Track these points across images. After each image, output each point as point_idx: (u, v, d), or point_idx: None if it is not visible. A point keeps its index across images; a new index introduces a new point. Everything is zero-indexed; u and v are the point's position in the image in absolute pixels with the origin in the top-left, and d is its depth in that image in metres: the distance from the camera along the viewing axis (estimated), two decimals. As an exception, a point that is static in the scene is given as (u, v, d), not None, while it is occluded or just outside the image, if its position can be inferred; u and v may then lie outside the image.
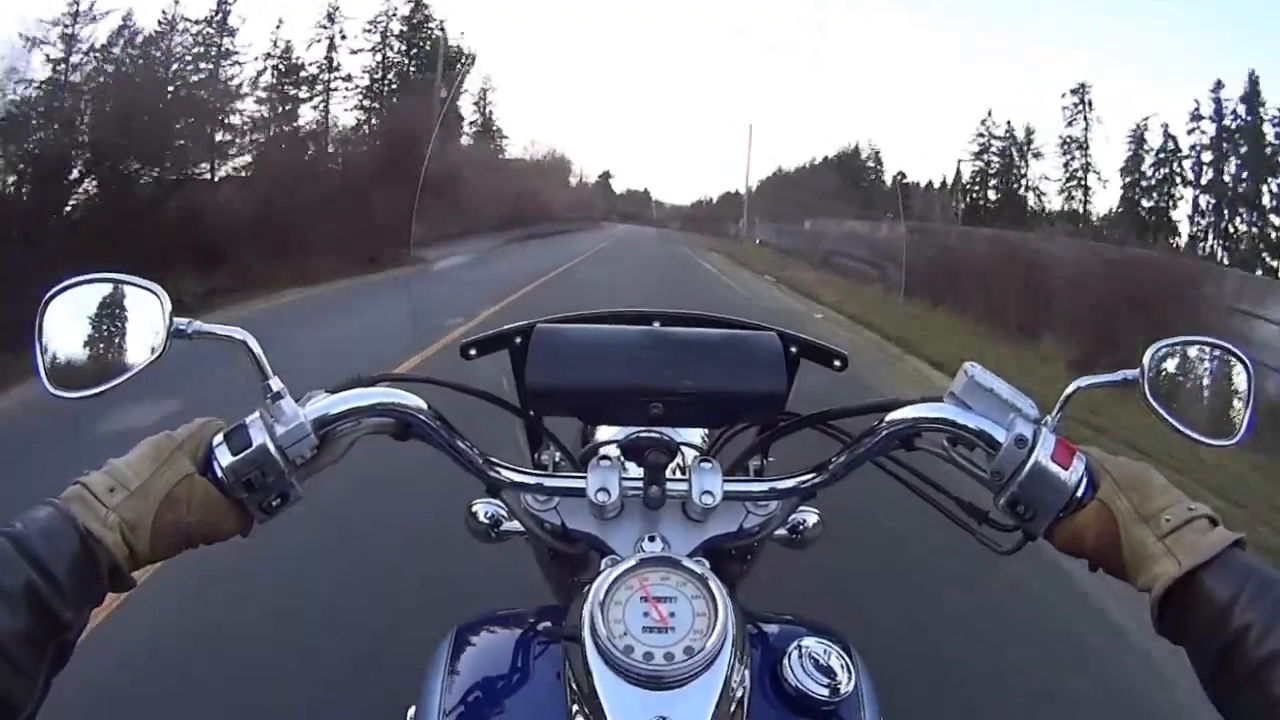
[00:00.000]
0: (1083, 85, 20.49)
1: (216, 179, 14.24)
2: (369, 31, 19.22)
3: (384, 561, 2.66)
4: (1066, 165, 20.81)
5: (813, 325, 8.69)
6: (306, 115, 17.52)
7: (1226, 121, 18.19)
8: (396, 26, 19.67)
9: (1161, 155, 19.48)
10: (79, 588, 0.50)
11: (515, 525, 0.85)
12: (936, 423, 0.65)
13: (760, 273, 17.54)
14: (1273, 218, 17.44)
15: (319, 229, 11.77)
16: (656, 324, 0.80)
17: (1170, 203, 19.27)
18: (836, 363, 0.80)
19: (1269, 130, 17.41)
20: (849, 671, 0.62)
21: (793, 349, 0.76)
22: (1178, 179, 19.06)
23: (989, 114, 22.50)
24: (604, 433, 0.95)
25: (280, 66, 16.83)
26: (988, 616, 2.56)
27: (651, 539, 0.66)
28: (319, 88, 17.67)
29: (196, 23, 14.98)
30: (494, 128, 24.20)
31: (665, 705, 0.52)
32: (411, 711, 0.66)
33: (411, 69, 19.79)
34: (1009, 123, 22.10)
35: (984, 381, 0.64)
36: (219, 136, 14.50)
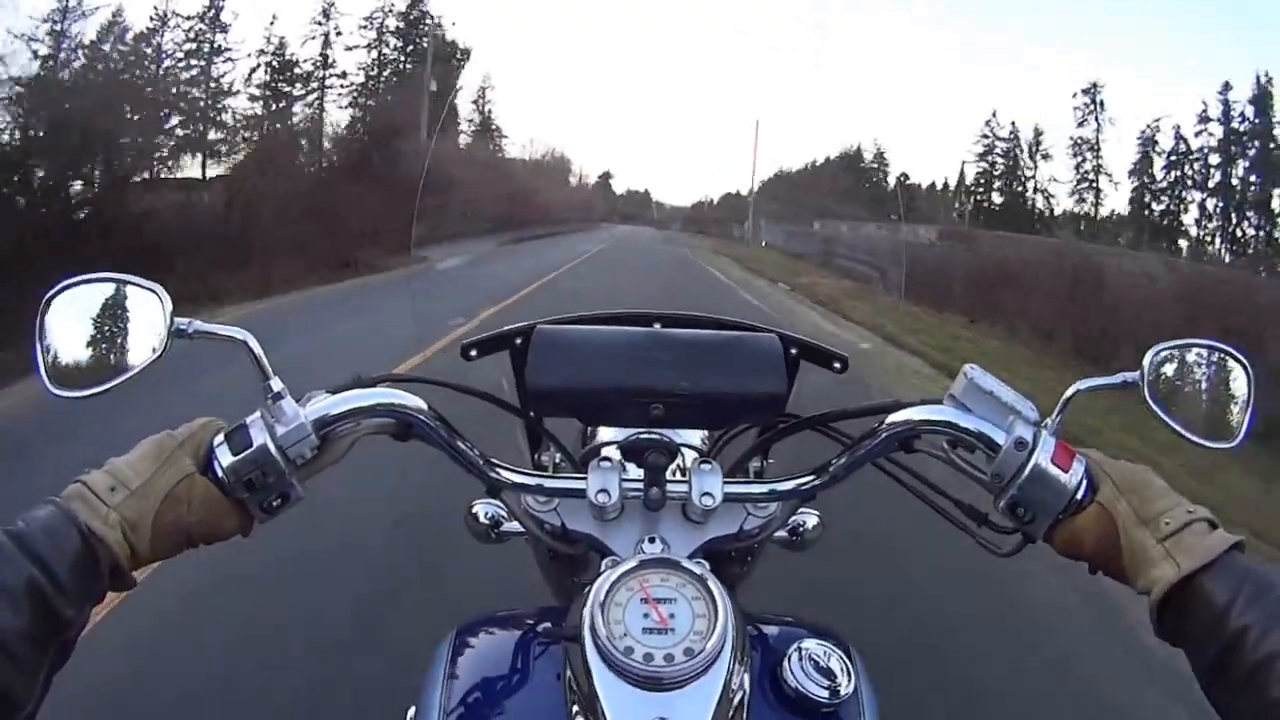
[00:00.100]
0: (1094, 85, 20.26)
1: (206, 179, 13.91)
2: (365, 28, 19.11)
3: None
4: (1078, 167, 20.69)
5: (878, 362, 7.53)
6: (301, 113, 17.34)
7: (1235, 124, 18.17)
8: (393, 23, 19.56)
9: (1173, 158, 19.38)
10: (80, 586, 0.51)
11: (515, 526, 0.86)
12: (936, 425, 0.66)
13: (773, 279, 16.33)
14: (1283, 221, 17.38)
15: (289, 233, 10.96)
16: (657, 325, 0.81)
17: (1181, 207, 19.16)
18: (836, 364, 0.81)
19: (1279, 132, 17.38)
20: (849, 673, 0.63)
21: (793, 351, 0.77)
22: (1189, 182, 18.98)
23: (993, 115, 22.48)
24: (604, 434, 0.96)
25: (274, 63, 16.74)
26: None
27: (651, 540, 0.67)
28: (313, 85, 17.54)
29: (188, 19, 14.92)
30: (493, 126, 24.18)
31: (665, 706, 0.52)
32: (411, 712, 0.67)
33: (408, 66, 19.65)
34: (1014, 123, 22.08)
35: (984, 384, 0.65)
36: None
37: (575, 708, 0.56)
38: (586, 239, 25.45)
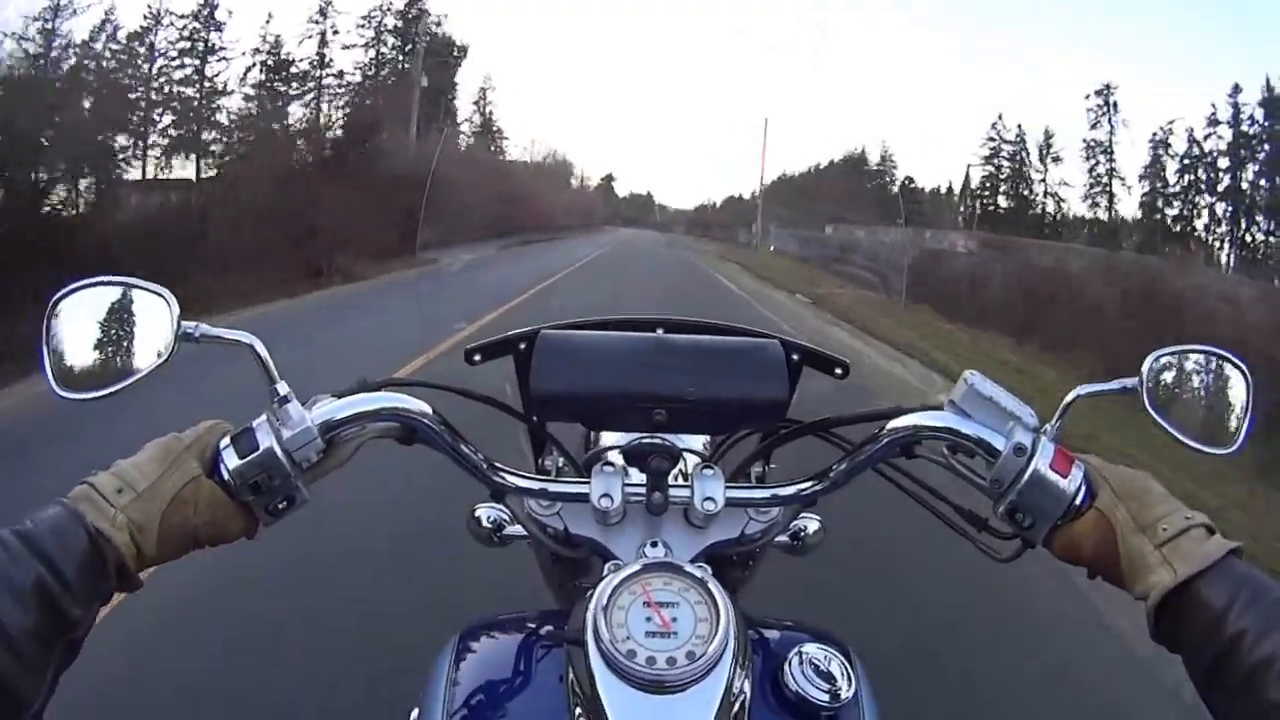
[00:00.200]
0: (1107, 86, 20.09)
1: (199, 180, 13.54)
2: (362, 27, 19.04)
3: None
4: (1091, 170, 20.55)
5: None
6: (297, 113, 17.26)
7: (1244, 127, 18.12)
8: (391, 21, 19.50)
9: (1186, 161, 19.25)
10: (87, 586, 0.52)
11: (518, 530, 0.87)
12: (937, 431, 0.67)
13: (789, 289, 15.09)
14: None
15: (252, 239, 10.12)
16: (660, 331, 0.83)
17: (1194, 211, 19.02)
18: (838, 370, 0.82)
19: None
20: (849, 677, 0.64)
21: (795, 357, 0.78)
22: (1202, 185, 18.86)
23: (999, 117, 22.43)
24: (607, 438, 0.96)
25: (269, 62, 16.69)
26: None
27: (654, 544, 0.68)
28: (309, 85, 17.49)
29: (182, 17, 14.85)
30: (494, 128, 24.18)
31: (667, 709, 0.53)
32: (414, 715, 0.68)
33: (405, 66, 19.56)
34: (1020, 126, 22.02)
35: (984, 390, 0.66)
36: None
37: (578, 710, 0.57)
38: (586, 243, 25.14)
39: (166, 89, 14.47)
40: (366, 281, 11.08)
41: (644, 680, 0.54)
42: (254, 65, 16.22)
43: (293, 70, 17.03)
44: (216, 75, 15.36)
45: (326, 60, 17.79)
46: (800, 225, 25.49)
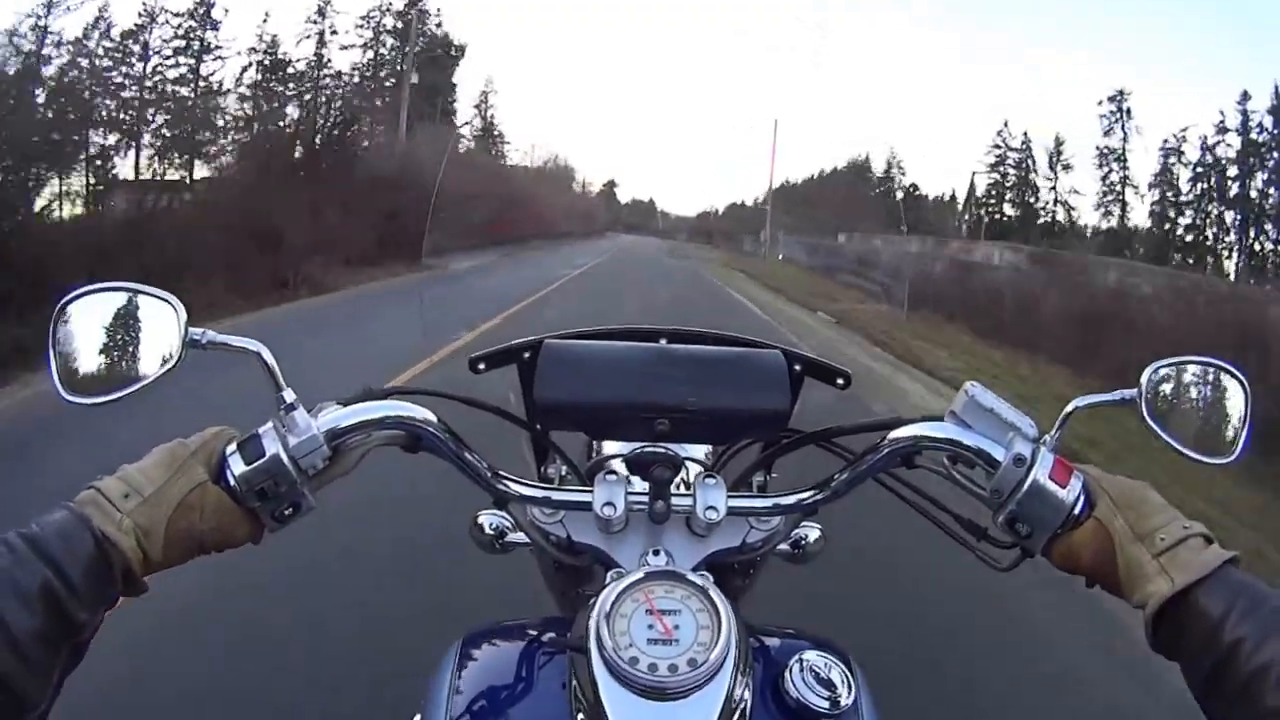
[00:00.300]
0: (1120, 92, 20.02)
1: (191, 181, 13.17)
2: (361, 27, 19.02)
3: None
4: (1105, 179, 20.42)
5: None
6: (293, 114, 17.10)
7: (1253, 134, 18.10)
8: (390, 21, 19.48)
9: (1199, 169, 19.16)
10: (93, 590, 0.53)
11: (520, 537, 0.88)
12: (937, 441, 0.69)
13: (808, 305, 13.50)
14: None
15: (208, 246, 9.16)
16: (663, 341, 0.84)
17: (1207, 220, 18.90)
18: (840, 381, 0.84)
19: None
20: (849, 685, 0.65)
21: (796, 367, 0.79)
22: (1213, 194, 18.77)
23: (1005, 124, 22.43)
24: (610, 447, 0.98)
25: (265, 62, 16.63)
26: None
27: (656, 553, 0.69)
28: (306, 85, 17.40)
29: (177, 15, 14.82)
30: (495, 132, 24.20)
31: (669, 716, 0.54)
32: None
33: (403, 66, 19.65)
34: (1025, 134, 22.02)
35: (984, 401, 0.68)
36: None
37: (580, 717, 0.58)
38: (585, 250, 24.77)
39: (160, 88, 14.47)
40: (338, 292, 10.28)
41: (646, 687, 0.55)
42: (250, 65, 16.24)
43: (289, 71, 17.03)
44: (212, 74, 15.39)
45: (325, 61, 17.80)
46: (805, 232, 25.31)
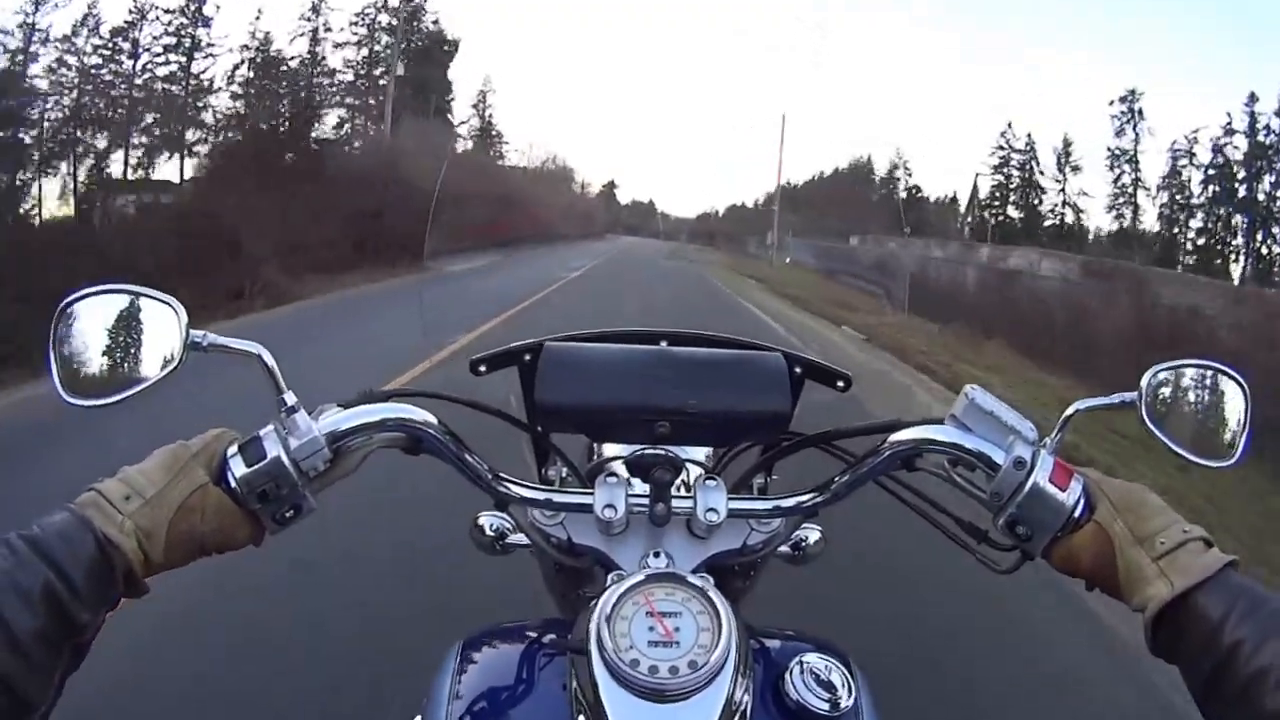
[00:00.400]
0: (1132, 93, 19.93)
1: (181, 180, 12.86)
2: (356, 24, 18.90)
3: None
4: (1116, 180, 20.26)
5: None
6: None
7: (1260, 137, 18.03)
8: (385, 19, 19.33)
9: (1210, 172, 19.01)
10: (95, 591, 0.54)
11: (521, 539, 0.89)
12: (938, 444, 0.69)
13: (828, 317, 12.35)
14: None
15: (161, 252, 8.65)
16: (664, 343, 0.85)
17: (1219, 223, 18.76)
18: (840, 383, 0.84)
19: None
20: (850, 687, 0.65)
21: (797, 369, 0.80)
22: (1221, 196, 18.66)
23: (1009, 125, 22.38)
24: (610, 449, 0.98)
25: (258, 59, 16.53)
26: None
27: (656, 555, 0.70)
28: (300, 82, 17.28)
29: (169, 12, 14.79)
30: (493, 132, 24.14)
31: (669, 718, 0.55)
32: None
33: (401, 61, 19.54)
34: (1029, 135, 21.96)
35: (985, 405, 0.68)
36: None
37: (581, 718, 0.59)
38: (582, 252, 24.34)
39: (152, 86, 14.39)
40: (304, 301, 9.20)
41: (647, 689, 0.55)
42: (242, 62, 16.16)
43: (283, 69, 16.94)
44: (203, 72, 15.35)
45: (319, 58, 17.70)
46: (808, 234, 25.10)
